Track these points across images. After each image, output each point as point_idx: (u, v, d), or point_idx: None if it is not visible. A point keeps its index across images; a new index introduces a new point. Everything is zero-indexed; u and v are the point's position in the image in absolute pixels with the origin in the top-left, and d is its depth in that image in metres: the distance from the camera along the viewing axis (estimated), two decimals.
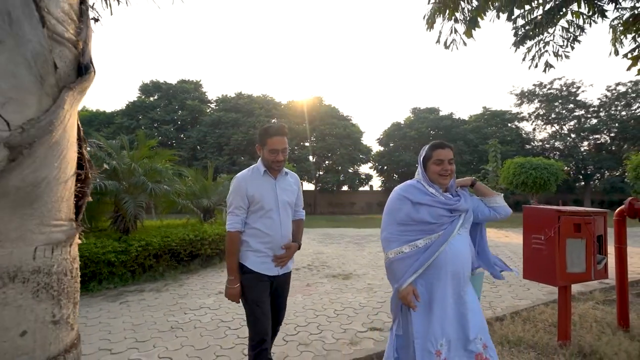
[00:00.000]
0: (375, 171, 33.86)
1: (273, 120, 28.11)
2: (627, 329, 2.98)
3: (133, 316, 3.62)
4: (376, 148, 34.53)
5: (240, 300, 1.87)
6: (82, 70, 0.70)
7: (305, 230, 14.54)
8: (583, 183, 31.84)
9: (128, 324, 3.40)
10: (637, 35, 7.46)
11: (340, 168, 28.97)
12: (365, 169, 32.70)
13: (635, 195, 18.64)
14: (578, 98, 32.15)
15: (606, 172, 30.73)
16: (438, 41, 5.83)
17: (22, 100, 0.60)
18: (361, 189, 31.66)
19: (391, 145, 33.52)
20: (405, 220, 1.72)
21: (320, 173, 29.73)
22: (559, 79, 32.85)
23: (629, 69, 7.49)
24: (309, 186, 29.73)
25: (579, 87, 32.05)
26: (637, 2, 7.09)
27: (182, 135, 28.07)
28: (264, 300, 1.84)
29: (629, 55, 7.13)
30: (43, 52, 0.63)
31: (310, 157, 28.80)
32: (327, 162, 29.62)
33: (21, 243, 0.61)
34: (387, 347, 1.83)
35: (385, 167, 32.75)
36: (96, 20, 0.82)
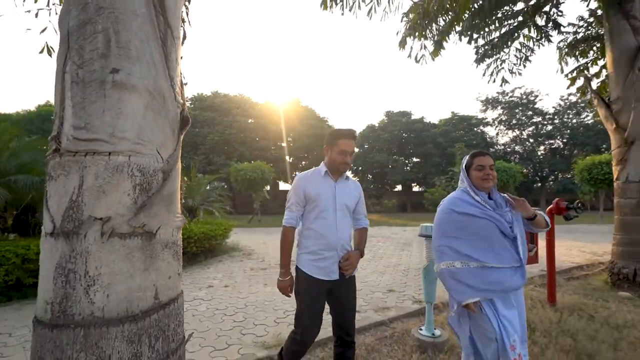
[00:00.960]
0: (350, 172, 34.70)
1: (250, 120, 28.16)
2: (554, 304, 3.70)
3: None
4: None
5: (290, 293, 1.87)
6: (183, 120, 1.12)
7: None
8: (540, 184, 34.46)
9: None
10: (577, 58, 8.57)
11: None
12: None
13: (582, 195, 20.68)
14: (536, 106, 34.80)
15: (559, 174, 33.50)
16: (409, 56, 6.52)
17: (166, 144, 1.02)
18: None
19: (366, 146, 34.56)
20: (455, 233, 1.73)
21: (297, 173, 30.13)
22: (520, 88, 35.35)
23: (568, 87, 8.59)
24: (285, 186, 30.04)
25: (536, 96, 34.73)
26: (577, 28, 8.16)
27: None
28: (316, 305, 1.82)
29: (569, 76, 8.21)
30: (176, 116, 1.05)
31: (287, 157, 29.10)
32: (304, 162, 30.07)
33: (168, 226, 1.02)
34: (461, 336, 1.83)
35: (360, 168, 33.72)
36: None
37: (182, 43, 1.17)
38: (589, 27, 7.76)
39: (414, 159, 35.26)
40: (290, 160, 29.59)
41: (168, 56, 1.04)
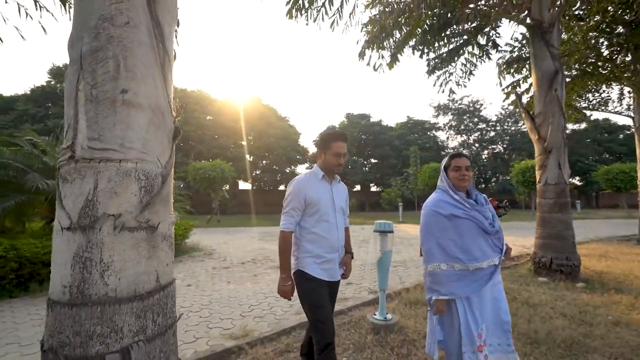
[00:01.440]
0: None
1: (208, 117, 27.32)
2: None
3: None
4: (313, 149, 35.91)
5: (291, 297, 1.87)
6: (176, 131, 1.30)
7: (245, 228, 14.89)
8: (484, 185, 37.65)
9: None
10: (513, 74, 9.63)
11: (277, 168, 29.45)
12: (302, 169, 33.78)
13: (517, 195, 23.08)
14: (481, 114, 38.00)
15: (500, 176, 36.89)
16: (368, 64, 6.97)
17: (164, 152, 1.19)
18: None
19: None
20: (442, 233, 1.82)
21: (257, 172, 29.85)
22: (468, 96, 38.34)
23: (504, 100, 9.66)
24: (244, 185, 29.62)
25: (482, 105, 37.93)
26: (512, 48, 9.18)
27: None
28: (326, 305, 1.85)
29: (505, 90, 9.25)
30: (171, 128, 1.22)
31: (247, 156, 28.70)
32: (264, 161, 29.86)
33: (166, 222, 1.19)
34: (429, 332, 1.94)
35: None
36: None
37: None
38: (522, 48, 8.86)
39: (372, 160, 36.62)
40: (251, 160, 29.24)
41: (166, 78, 1.22)
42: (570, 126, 32.06)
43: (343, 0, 4.54)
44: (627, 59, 9.10)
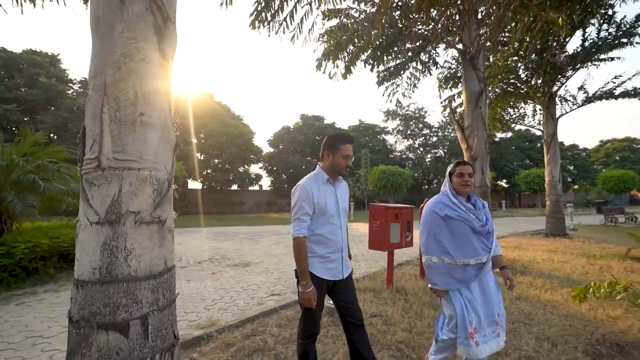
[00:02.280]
0: (265, 171, 35.01)
1: None
2: (423, 276, 5.02)
3: (43, 312, 3.73)
4: (267, 149, 35.74)
5: (315, 305, 1.83)
6: (176, 144, 1.58)
7: (198, 229, 14.54)
8: (427, 186, 40.72)
9: (44, 318, 3.55)
10: (450, 89, 10.80)
11: (230, 167, 28.82)
12: (255, 169, 33.50)
13: None
14: (426, 120, 41.03)
15: (441, 177, 40.20)
16: (324, 72, 7.47)
17: (169, 162, 1.46)
18: (251, 188, 32.26)
19: (281, 147, 35.32)
20: (437, 230, 2.04)
21: (209, 171, 28.95)
22: (414, 103, 41.20)
23: (442, 112, 10.96)
24: (194, 185, 28.55)
25: (426, 112, 40.95)
26: (450, 66, 10.30)
27: (29, 119, 22.77)
28: (322, 303, 1.93)
29: (443, 103, 10.37)
30: (174, 141, 1.51)
31: (198, 155, 27.71)
32: (216, 160, 29.05)
33: (170, 217, 1.47)
34: (438, 322, 2.19)
35: (275, 168, 34.30)
36: None
37: None
38: (458, 67, 10.07)
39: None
40: (202, 158, 28.28)
41: (170, 102, 1.51)
42: (499, 135, 36.09)
43: (303, 17, 4.94)
44: (539, 81, 10.83)
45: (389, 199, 22.65)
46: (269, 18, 4.80)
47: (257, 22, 4.83)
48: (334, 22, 6.06)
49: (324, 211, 1.89)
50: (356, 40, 6.14)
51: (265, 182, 35.31)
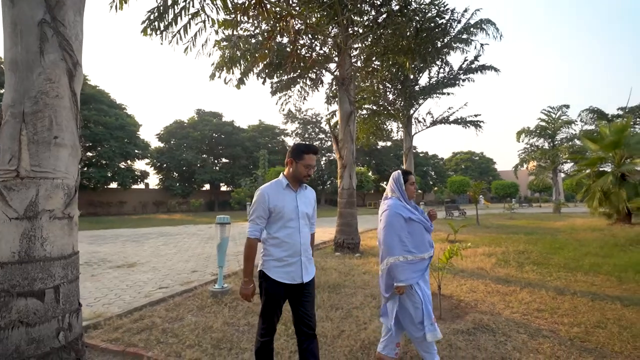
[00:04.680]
0: (153, 168, 31.96)
1: None
2: None
3: None
4: (155, 144, 32.68)
5: (252, 299, 2.03)
6: (81, 158, 2.00)
7: None
8: (321, 187, 43.95)
9: None
10: (332, 104, 12.35)
11: (108, 162, 25.33)
12: (141, 165, 30.27)
13: None
14: (321, 125, 44.24)
15: (334, 179, 44.04)
16: (219, 77, 7.90)
17: (76, 172, 1.90)
18: (135, 186, 29.03)
19: (172, 142, 32.84)
20: (401, 231, 2.25)
21: (80, 167, 24.79)
22: (312, 109, 43.88)
23: (326, 124, 12.62)
24: None
25: (322, 117, 44.18)
26: (331, 84, 11.86)
27: None
28: (276, 307, 1.99)
29: (327, 116, 11.90)
30: (80, 156, 1.97)
31: None
32: (89, 154, 25.13)
33: (76, 214, 1.90)
34: (387, 314, 2.40)
35: (165, 165, 31.70)
36: None
37: None
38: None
39: (224, 160, 36.64)
40: None
41: (78, 126, 1.98)
42: (381, 143, 41.77)
43: (197, 32, 5.36)
44: (401, 105, 13.56)
45: None
46: (162, 28, 5.07)
47: (149, 30, 5.03)
48: (228, 41, 6.62)
49: (281, 215, 1.96)
50: (248, 57, 6.85)
51: (153, 180, 32.28)
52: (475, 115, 14.04)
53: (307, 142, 43.04)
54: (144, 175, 29.21)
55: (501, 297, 4.22)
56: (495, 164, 62.23)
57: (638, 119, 27.41)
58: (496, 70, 11.94)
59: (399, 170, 2.48)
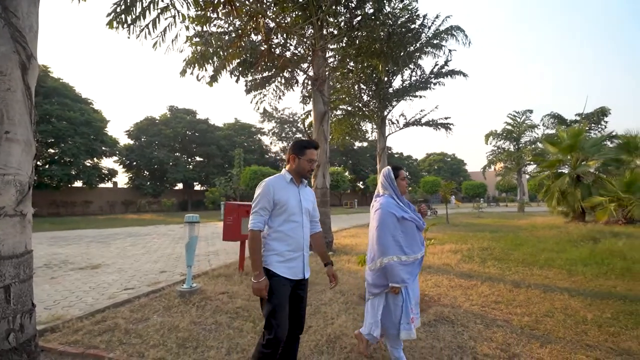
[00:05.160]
0: (122, 166, 30.63)
1: None
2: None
3: None
4: (125, 141, 31.34)
5: (266, 294, 1.88)
6: (36, 154, 1.93)
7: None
8: None
9: None
10: (308, 102, 12.33)
11: (72, 160, 23.95)
12: (109, 162, 28.89)
13: None
14: (299, 125, 44.17)
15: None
16: (191, 73, 7.74)
17: (29, 168, 1.84)
18: (102, 185, 27.70)
19: (143, 139, 31.64)
20: (395, 230, 2.24)
21: (39, 164, 23.31)
22: (289, 108, 43.72)
23: (302, 123, 12.68)
24: None
25: (299, 117, 44.13)
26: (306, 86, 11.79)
27: None
28: (286, 304, 1.91)
29: (302, 116, 11.88)
30: (34, 152, 1.89)
31: None
32: (52, 150, 23.67)
33: (30, 212, 1.84)
34: (371, 315, 2.36)
35: (135, 163, 30.47)
36: None
37: None
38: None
39: (197, 158, 35.73)
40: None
41: (32, 120, 1.91)
42: (358, 144, 42.29)
43: (167, 27, 5.24)
44: (375, 107, 13.84)
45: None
46: (129, 21, 4.92)
47: (115, 23, 4.86)
48: (200, 37, 6.50)
49: (285, 208, 1.95)
50: (221, 53, 6.77)
51: (122, 179, 30.94)
52: (446, 118, 14.58)
53: (283, 143, 42.42)
54: (112, 173, 27.89)
55: (463, 290, 4.46)
56: (466, 165, 64.82)
57: (593, 124, 29.58)
58: (464, 75, 12.48)
59: (389, 167, 2.44)
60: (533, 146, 26.44)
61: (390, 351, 2.42)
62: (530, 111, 27.15)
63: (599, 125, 28.62)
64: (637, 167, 13.84)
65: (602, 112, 28.55)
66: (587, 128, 27.60)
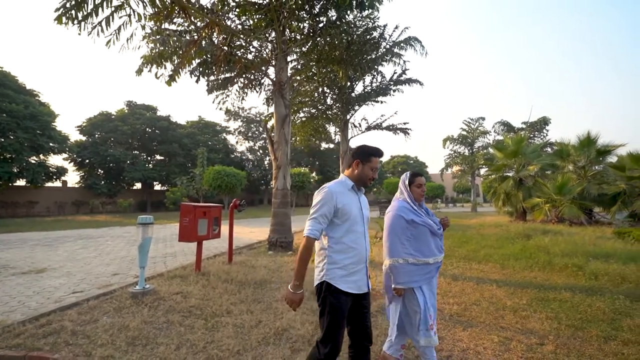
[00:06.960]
0: (72, 164, 28.55)
1: None
2: (230, 262, 6.19)
3: None
4: (76, 137, 29.28)
5: (297, 308, 1.82)
6: None
7: None
8: (264, 186, 43.51)
9: None
10: (271, 105, 12.37)
11: (14, 156, 21.91)
12: (58, 160, 26.76)
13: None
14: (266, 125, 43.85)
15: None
16: (149, 71, 7.57)
17: None
18: (50, 184, 25.65)
19: (97, 136, 29.76)
20: (402, 233, 2.24)
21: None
22: (255, 107, 43.21)
23: (264, 126, 12.80)
24: None
25: (266, 116, 43.87)
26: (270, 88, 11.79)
27: None
28: (344, 320, 1.83)
29: (265, 118, 12.02)
30: None
31: None
32: None
33: None
34: (392, 318, 2.35)
35: (88, 161, 28.56)
36: None
37: None
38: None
39: (158, 157, 34.22)
40: None
41: None
42: (324, 145, 42.79)
43: (121, 26, 5.14)
44: (338, 110, 14.23)
45: (223, 198, 23.27)
46: (80, 18, 4.78)
47: (64, 19, 4.70)
48: (159, 35, 6.41)
49: (348, 217, 1.85)
50: (180, 53, 6.72)
51: (73, 178, 28.85)
52: (405, 123, 15.33)
53: (249, 142, 41.88)
54: (61, 171, 25.84)
55: None
56: (427, 168, 67.98)
57: (536, 132, 32.49)
58: (421, 83, 13.25)
59: (408, 172, 2.48)
60: (485, 151, 28.49)
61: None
62: (483, 118, 29.23)
63: (541, 133, 31.49)
64: (569, 171, 15.53)
65: (544, 121, 31.45)
66: (530, 135, 30.28)
